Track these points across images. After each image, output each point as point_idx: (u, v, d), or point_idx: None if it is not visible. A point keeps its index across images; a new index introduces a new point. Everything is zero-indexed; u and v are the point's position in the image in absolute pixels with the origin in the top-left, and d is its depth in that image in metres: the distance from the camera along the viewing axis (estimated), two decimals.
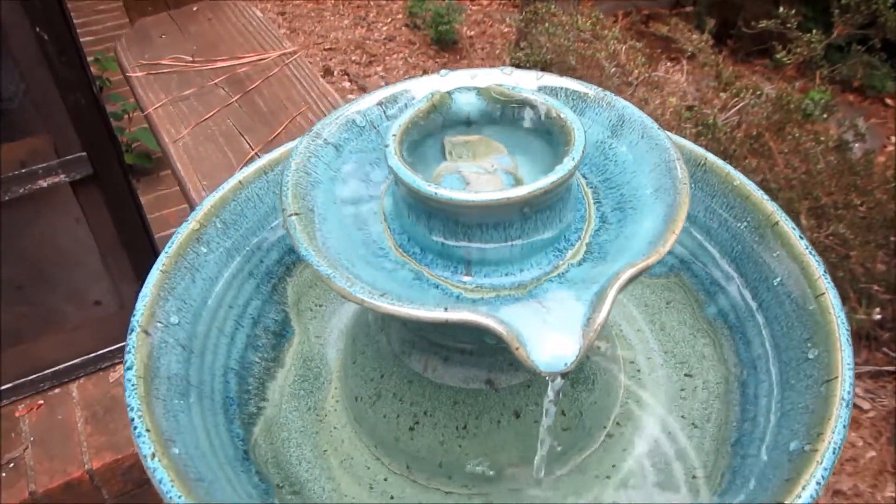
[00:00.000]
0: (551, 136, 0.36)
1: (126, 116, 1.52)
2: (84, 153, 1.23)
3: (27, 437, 1.24)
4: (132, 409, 0.36)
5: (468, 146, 0.38)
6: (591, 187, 0.39)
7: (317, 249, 0.33)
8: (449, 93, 0.38)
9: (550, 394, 0.32)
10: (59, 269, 1.32)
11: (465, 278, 0.34)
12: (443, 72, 0.43)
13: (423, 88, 0.42)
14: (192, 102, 0.79)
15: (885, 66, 2.52)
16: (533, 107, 0.37)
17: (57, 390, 1.48)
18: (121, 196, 1.32)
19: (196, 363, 0.42)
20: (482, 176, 0.36)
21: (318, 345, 0.47)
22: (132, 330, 0.39)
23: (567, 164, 0.33)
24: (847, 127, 2.32)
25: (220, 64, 0.83)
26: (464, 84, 0.42)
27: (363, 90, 2.47)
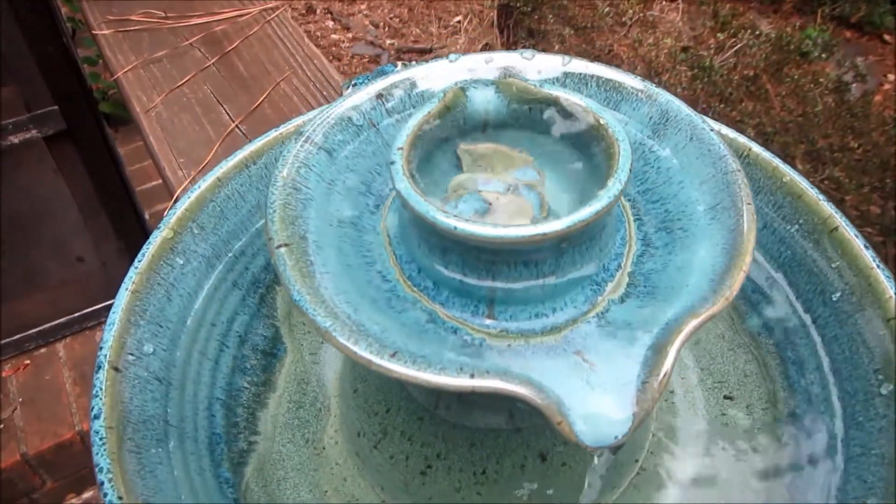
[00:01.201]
0: (587, 146, 0.30)
1: (101, 61, 1.43)
2: (56, 107, 1.16)
3: (15, 398, 1.21)
4: (101, 471, 0.31)
5: (486, 155, 0.32)
6: (630, 199, 0.33)
7: (313, 292, 0.27)
8: (463, 89, 0.32)
9: (595, 462, 0.27)
10: (40, 224, 1.26)
11: (488, 321, 0.29)
12: (452, 56, 0.36)
13: (428, 76, 0.36)
14: (166, 65, 0.72)
15: (887, 2, 2.43)
16: (564, 110, 0.31)
17: (43, 350, 1.44)
18: (96, 151, 1.25)
19: (175, 398, 0.36)
20: (503, 197, 0.30)
21: (313, 364, 0.42)
22: (99, 367, 0.34)
23: (612, 188, 0.27)
24: (848, 68, 2.25)
25: (195, 21, 0.75)
26: (479, 74, 0.35)
27: (347, 29, 2.36)
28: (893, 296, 0.35)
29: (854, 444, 0.34)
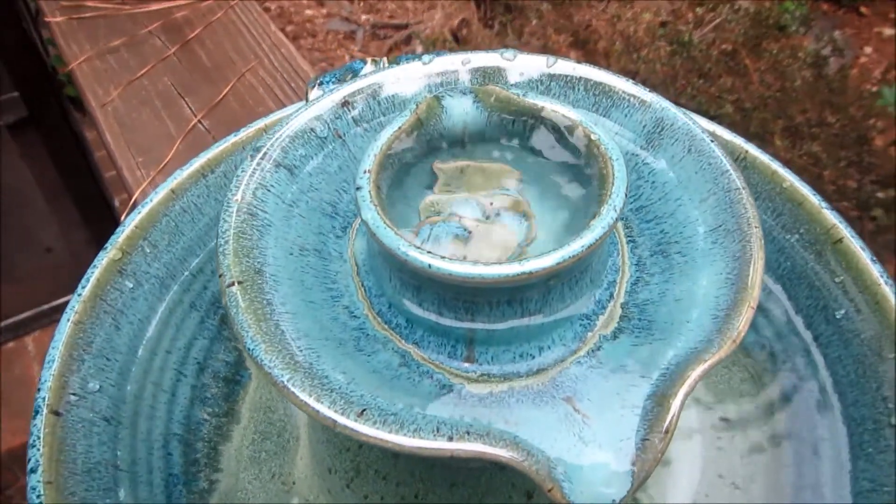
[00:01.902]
0: (576, 163, 0.27)
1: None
2: (16, 93, 1.11)
3: None
4: None
5: (464, 173, 0.29)
6: (622, 218, 0.30)
7: (269, 339, 0.24)
8: (438, 98, 0.28)
9: None
10: (8, 214, 1.22)
11: (467, 364, 0.26)
12: (426, 57, 0.33)
13: (399, 80, 0.33)
14: (123, 55, 0.68)
15: None
16: (550, 122, 0.27)
17: (11, 344, 1.40)
18: (61, 138, 1.20)
19: (126, 438, 0.33)
20: (482, 224, 0.27)
21: None
22: (36, 412, 0.30)
23: (606, 216, 0.24)
24: (826, 42, 2.24)
25: (154, 6, 0.71)
26: (455, 77, 0.32)
27: (321, 5, 2.29)
28: None
29: (863, 477, 0.31)
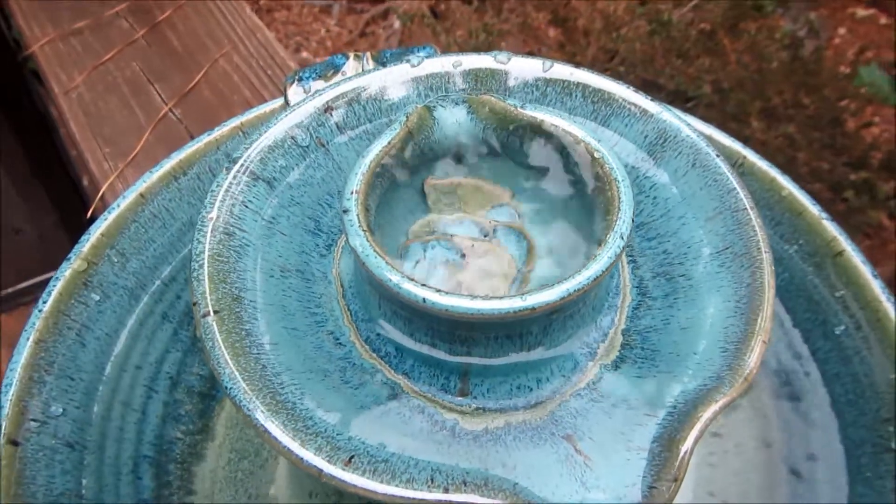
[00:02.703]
0: (576, 181, 0.25)
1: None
2: None
3: None
4: None
5: (456, 190, 0.27)
6: None
7: (247, 376, 0.22)
8: (430, 109, 0.26)
9: None
10: None
11: (460, 398, 0.24)
12: (414, 59, 0.31)
13: (386, 84, 0.30)
14: (87, 38, 0.64)
15: None
16: (550, 137, 0.26)
17: None
18: (25, 114, 1.15)
19: (92, 464, 0.31)
20: (478, 245, 0.25)
21: None
22: None
23: (613, 244, 0.22)
24: (802, 24, 2.25)
25: None
26: (445, 82, 0.30)
27: None
28: None
29: (862, 503, 0.30)
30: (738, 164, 0.37)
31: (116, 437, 0.33)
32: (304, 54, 1.76)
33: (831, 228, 0.35)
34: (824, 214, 0.35)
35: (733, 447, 0.36)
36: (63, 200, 1.25)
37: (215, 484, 0.35)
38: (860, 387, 0.32)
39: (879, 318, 0.32)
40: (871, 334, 0.33)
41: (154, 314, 0.36)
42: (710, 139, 0.31)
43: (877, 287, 0.33)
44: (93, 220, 0.54)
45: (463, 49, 1.70)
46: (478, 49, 1.72)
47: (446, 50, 1.69)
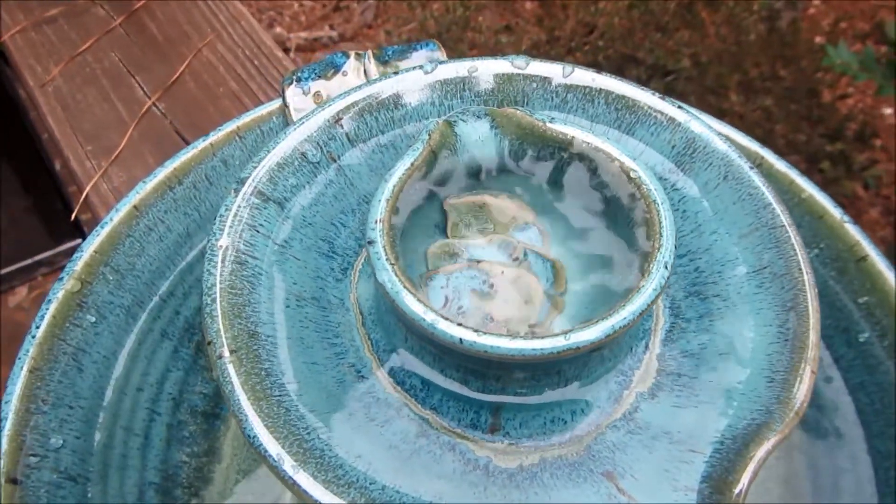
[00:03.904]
0: (609, 203, 0.24)
1: None
2: None
3: None
4: None
5: (480, 211, 0.25)
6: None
7: (271, 422, 0.21)
8: (451, 124, 0.25)
9: None
10: None
11: (491, 434, 0.23)
12: (427, 66, 0.29)
13: (398, 92, 0.29)
14: (62, 26, 0.61)
15: None
16: (583, 156, 0.24)
17: None
18: (2, 104, 1.12)
19: (96, 497, 0.30)
20: (506, 271, 0.24)
21: None
22: None
23: (657, 274, 0.21)
24: None
25: None
26: (462, 88, 0.28)
27: None
28: None
29: None
30: (756, 166, 0.36)
31: (120, 465, 0.31)
32: (278, 30, 1.72)
33: (854, 232, 0.34)
34: (846, 218, 0.34)
35: None
36: (34, 184, 1.21)
37: None
38: (887, 397, 0.32)
39: None
40: None
41: (153, 332, 0.34)
42: (728, 139, 0.30)
43: None
44: (77, 222, 0.51)
45: (440, 23, 1.67)
46: (455, 23, 1.68)
47: (423, 25, 1.65)
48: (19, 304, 1.29)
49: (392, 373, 0.24)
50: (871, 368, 0.33)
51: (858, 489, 0.32)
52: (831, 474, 0.33)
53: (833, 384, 0.34)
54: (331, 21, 1.77)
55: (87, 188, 0.51)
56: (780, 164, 0.36)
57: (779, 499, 0.34)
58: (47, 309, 0.30)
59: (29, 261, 1.23)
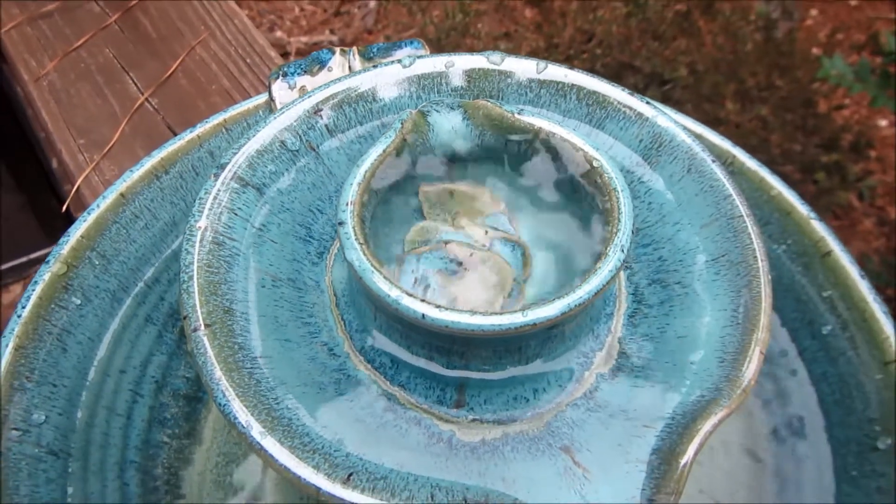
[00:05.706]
0: (574, 190, 0.25)
1: None
2: None
3: None
4: None
5: (452, 198, 0.26)
6: None
7: (242, 392, 0.22)
8: (424, 114, 0.26)
9: None
10: None
11: (456, 409, 0.24)
12: (405, 60, 0.30)
13: (376, 85, 0.30)
14: (57, 22, 0.62)
15: None
16: (548, 145, 0.25)
17: None
18: None
19: (77, 472, 0.30)
20: (475, 254, 0.25)
21: None
22: None
23: (613, 256, 0.22)
24: (775, 6, 2.27)
25: None
26: (438, 82, 0.29)
27: None
28: (891, 336, 0.32)
29: (848, 502, 0.31)
30: (727, 164, 0.37)
31: (101, 443, 0.32)
32: (279, 34, 1.73)
33: (819, 229, 0.35)
34: (813, 214, 0.36)
35: (720, 445, 0.37)
36: (28, 181, 1.22)
37: (203, 488, 0.34)
38: (846, 387, 0.33)
39: (866, 319, 0.33)
40: (858, 334, 0.33)
41: (137, 317, 0.35)
42: (699, 137, 0.31)
43: (864, 288, 0.33)
44: (68, 214, 0.52)
45: (439, 29, 1.68)
46: (454, 29, 1.70)
47: (423, 30, 1.67)
48: (13, 302, 1.30)
49: (363, 351, 0.25)
50: (833, 360, 0.34)
51: (819, 476, 0.33)
52: (794, 462, 0.34)
53: (797, 376, 0.35)
54: (331, 26, 1.78)
55: (79, 181, 0.52)
56: (750, 163, 0.37)
57: (745, 488, 0.35)
58: (33, 290, 0.31)
59: (23, 259, 1.24)
